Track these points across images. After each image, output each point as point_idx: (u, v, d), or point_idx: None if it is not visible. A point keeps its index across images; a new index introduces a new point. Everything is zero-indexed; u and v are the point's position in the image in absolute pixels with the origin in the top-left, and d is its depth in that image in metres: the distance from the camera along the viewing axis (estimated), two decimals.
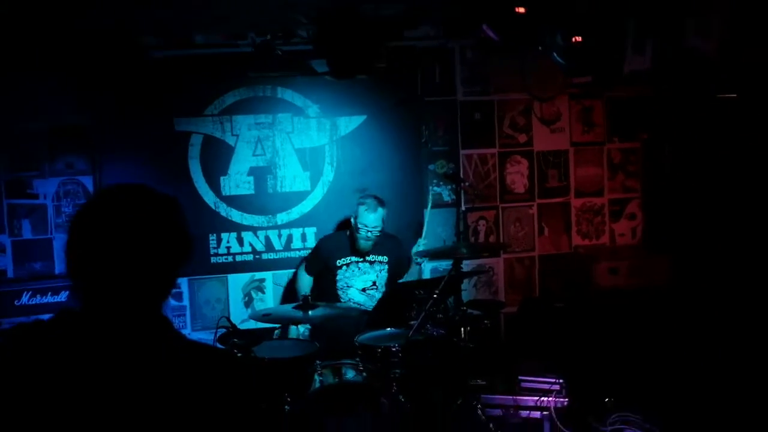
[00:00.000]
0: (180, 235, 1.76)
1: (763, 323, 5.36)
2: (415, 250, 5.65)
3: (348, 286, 5.58)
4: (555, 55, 5.14)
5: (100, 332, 1.66)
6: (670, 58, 5.08)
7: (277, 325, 5.32)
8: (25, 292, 5.53)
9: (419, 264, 5.83)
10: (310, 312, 4.55)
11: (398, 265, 5.69)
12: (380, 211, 5.41)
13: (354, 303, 5.56)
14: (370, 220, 5.39)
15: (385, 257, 5.62)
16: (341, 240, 5.67)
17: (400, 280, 5.72)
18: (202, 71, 6.02)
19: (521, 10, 4.98)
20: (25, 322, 1.77)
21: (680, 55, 5.02)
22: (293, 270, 6.15)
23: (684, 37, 4.90)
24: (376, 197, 5.49)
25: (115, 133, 5.90)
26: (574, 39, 5.03)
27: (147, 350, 1.67)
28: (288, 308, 4.74)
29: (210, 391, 1.68)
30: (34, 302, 5.53)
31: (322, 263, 5.66)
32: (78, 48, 5.45)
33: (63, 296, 5.57)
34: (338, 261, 5.56)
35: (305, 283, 5.69)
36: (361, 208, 5.42)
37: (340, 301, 5.54)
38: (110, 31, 5.57)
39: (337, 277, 5.57)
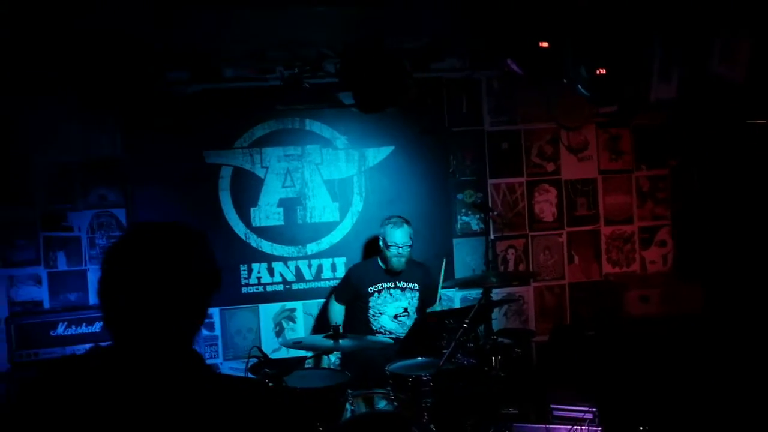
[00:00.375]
0: (208, 271, 1.79)
1: None
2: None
3: (380, 314, 5.59)
4: (579, 87, 5.16)
5: (131, 368, 1.68)
6: (696, 86, 5.08)
7: (308, 354, 5.33)
8: (61, 323, 5.61)
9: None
10: (340, 341, 4.57)
11: (427, 292, 5.69)
12: (406, 227, 5.46)
13: (385, 330, 5.56)
14: (399, 237, 5.42)
15: (415, 284, 5.64)
16: (372, 266, 5.69)
17: (429, 310, 5.71)
18: (232, 105, 6.12)
19: (545, 44, 5.01)
20: (58, 357, 1.80)
21: (707, 82, 5.02)
22: (323, 299, 6.19)
23: (710, 64, 4.91)
24: (400, 216, 5.55)
25: (147, 166, 6.00)
26: (598, 71, 5.05)
27: (178, 386, 1.69)
28: (319, 337, 4.76)
29: (242, 424, 1.70)
30: (69, 333, 5.61)
31: (352, 291, 5.67)
32: (111, 83, 5.55)
33: (97, 326, 5.63)
34: (370, 288, 5.58)
35: (336, 311, 5.71)
36: (388, 228, 5.47)
37: (372, 329, 5.54)
38: (142, 66, 5.68)
39: (369, 304, 5.58)
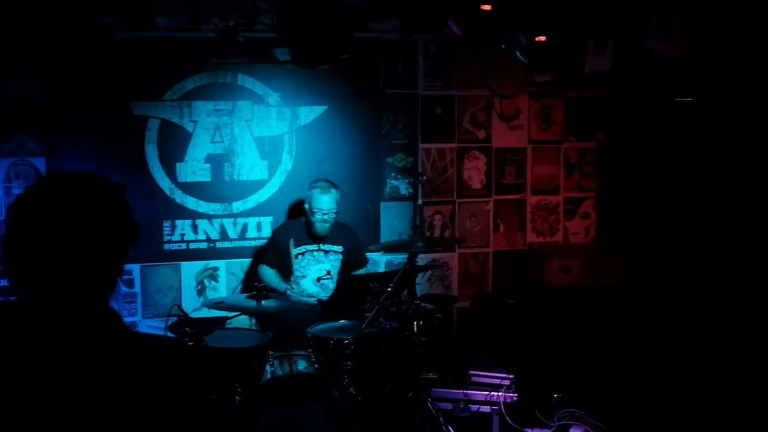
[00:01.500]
0: (123, 223, 1.72)
1: (716, 322, 5.47)
2: None
3: (302, 276, 5.57)
4: (518, 53, 5.18)
5: (41, 326, 1.62)
6: (629, 60, 5.16)
7: (230, 314, 5.29)
8: None
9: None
10: (263, 302, 4.55)
11: (352, 254, 5.70)
12: (333, 192, 5.42)
13: (306, 294, 5.54)
14: (324, 202, 5.39)
15: (339, 246, 5.63)
16: (296, 227, 5.65)
17: (355, 273, 5.72)
18: (163, 55, 5.94)
19: (487, 7, 5.01)
20: None
21: (640, 57, 5.11)
22: (247, 259, 6.14)
23: (644, 39, 4.99)
24: (327, 180, 5.51)
25: (71, 113, 5.78)
26: (537, 38, 5.08)
27: (92, 344, 1.63)
28: (242, 297, 4.72)
29: (160, 383, 1.66)
30: None
31: (279, 252, 5.62)
32: (36, 24, 5.33)
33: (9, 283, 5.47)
34: (294, 250, 5.55)
35: (270, 275, 5.61)
36: (315, 192, 5.43)
37: (293, 292, 5.51)
38: (70, 8, 5.47)
39: (293, 266, 5.56)
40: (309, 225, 5.53)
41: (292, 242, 5.53)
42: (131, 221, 1.74)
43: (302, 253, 5.56)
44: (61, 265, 1.63)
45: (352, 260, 5.70)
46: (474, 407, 5.11)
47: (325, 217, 5.41)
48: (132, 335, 1.75)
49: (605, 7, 5.13)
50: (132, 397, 1.61)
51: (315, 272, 5.59)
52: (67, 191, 1.68)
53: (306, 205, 5.51)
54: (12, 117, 5.72)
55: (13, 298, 1.67)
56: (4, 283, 5.47)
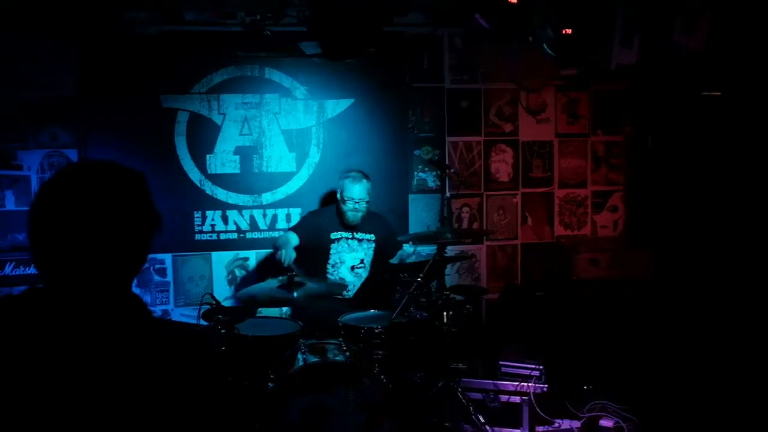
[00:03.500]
0: (146, 211, 1.73)
1: (743, 317, 5.43)
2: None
3: (340, 262, 5.58)
4: (545, 46, 5.17)
5: (69, 311, 1.64)
6: (656, 53, 5.14)
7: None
8: (8, 263, 5.51)
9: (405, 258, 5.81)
10: (294, 293, 4.56)
11: (383, 244, 5.70)
12: (365, 182, 5.44)
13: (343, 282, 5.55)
14: (356, 192, 5.41)
15: (371, 235, 5.64)
16: (330, 214, 5.65)
17: (392, 260, 5.71)
18: (191, 49, 6.01)
19: (513, 0, 5.01)
20: None
21: (666, 50, 5.08)
22: None
23: (671, 33, 4.96)
24: (359, 170, 5.53)
25: (102, 106, 5.87)
26: (564, 31, 5.07)
27: (114, 330, 1.64)
28: (273, 287, 4.72)
29: (188, 368, 1.67)
30: (17, 273, 5.51)
31: (311, 233, 5.54)
32: (67, 18, 5.40)
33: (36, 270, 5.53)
34: (332, 234, 5.55)
35: (291, 237, 5.44)
36: (346, 182, 5.45)
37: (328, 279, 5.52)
38: (101, 3, 5.53)
39: (330, 252, 5.56)
40: (341, 213, 5.54)
41: (329, 227, 5.56)
42: (153, 209, 1.75)
43: (338, 239, 5.57)
44: (84, 252, 1.64)
45: (385, 249, 5.70)
46: (504, 397, 5.11)
47: (357, 206, 5.43)
48: (160, 321, 1.76)
49: (632, 0, 5.12)
50: (163, 382, 1.63)
51: (350, 260, 5.59)
52: (89, 180, 1.69)
53: (338, 195, 5.53)
54: (45, 110, 5.84)
55: (40, 285, 1.69)
56: (32, 270, 5.53)
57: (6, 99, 5.77)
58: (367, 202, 5.47)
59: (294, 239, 5.41)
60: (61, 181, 1.69)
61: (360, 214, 5.48)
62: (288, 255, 5.01)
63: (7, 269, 5.49)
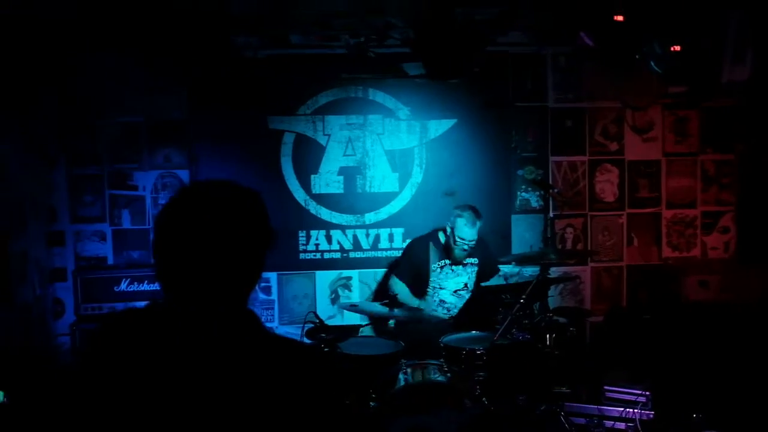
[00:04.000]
0: (262, 228, 1.78)
1: None
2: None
3: (440, 288, 5.60)
4: (652, 63, 5.07)
5: (189, 325, 1.68)
6: None
7: (364, 321, 5.37)
8: (124, 279, 5.76)
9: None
10: (395, 311, 4.61)
11: (485, 265, 5.68)
12: (478, 224, 5.40)
13: (443, 304, 5.58)
14: (468, 234, 5.39)
15: (475, 259, 5.63)
16: (436, 245, 5.63)
17: (484, 284, 5.69)
18: (297, 71, 6.17)
19: (620, 17, 4.93)
20: (119, 311, 1.81)
21: None
22: (380, 269, 6.24)
23: None
24: (473, 209, 5.44)
25: (211, 128, 6.10)
26: (672, 48, 4.96)
27: (232, 343, 1.68)
28: (375, 304, 4.79)
29: (295, 385, 1.69)
30: (132, 289, 5.75)
31: (415, 267, 5.62)
32: (181, 44, 5.63)
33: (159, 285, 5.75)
34: (433, 264, 5.57)
35: (400, 287, 5.59)
36: (460, 221, 5.40)
37: (429, 299, 5.55)
38: (210, 30, 5.74)
39: (431, 278, 5.58)
40: (448, 248, 5.54)
41: (431, 257, 5.57)
42: (270, 227, 1.79)
43: (441, 267, 5.58)
44: (206, 267, 1.69)
45: (484, 271, 5.68)
46: (608, 423, 5.00)
47: (466, 246, 5.42)
48: (272, 336, 1.80)
49: (743, 14, 4.97)
50: (271, 395, 1.65)
51: (453, 285, 5.60)
52: (211, 198, 1.74)
53: (448, 229, 5.50)
54: (159, 133, 6.14)
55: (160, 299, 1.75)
56: (146, 287, 5.77)
57: (123, 123, 6.08)
58: (476, 240, 5.44)
59: (403, 291, 5.55)
60: (186, 199, 1.75)
61: (466, 253, 5.49)
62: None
63: (123, 285, 5.74)
